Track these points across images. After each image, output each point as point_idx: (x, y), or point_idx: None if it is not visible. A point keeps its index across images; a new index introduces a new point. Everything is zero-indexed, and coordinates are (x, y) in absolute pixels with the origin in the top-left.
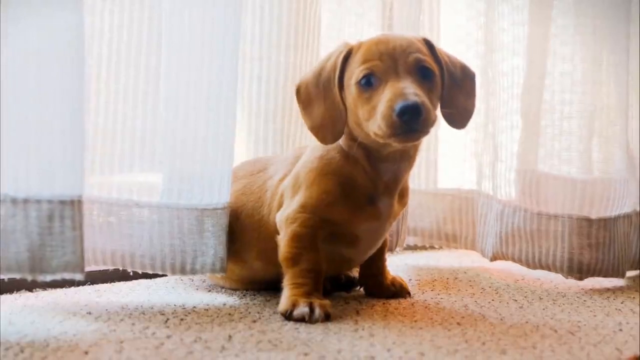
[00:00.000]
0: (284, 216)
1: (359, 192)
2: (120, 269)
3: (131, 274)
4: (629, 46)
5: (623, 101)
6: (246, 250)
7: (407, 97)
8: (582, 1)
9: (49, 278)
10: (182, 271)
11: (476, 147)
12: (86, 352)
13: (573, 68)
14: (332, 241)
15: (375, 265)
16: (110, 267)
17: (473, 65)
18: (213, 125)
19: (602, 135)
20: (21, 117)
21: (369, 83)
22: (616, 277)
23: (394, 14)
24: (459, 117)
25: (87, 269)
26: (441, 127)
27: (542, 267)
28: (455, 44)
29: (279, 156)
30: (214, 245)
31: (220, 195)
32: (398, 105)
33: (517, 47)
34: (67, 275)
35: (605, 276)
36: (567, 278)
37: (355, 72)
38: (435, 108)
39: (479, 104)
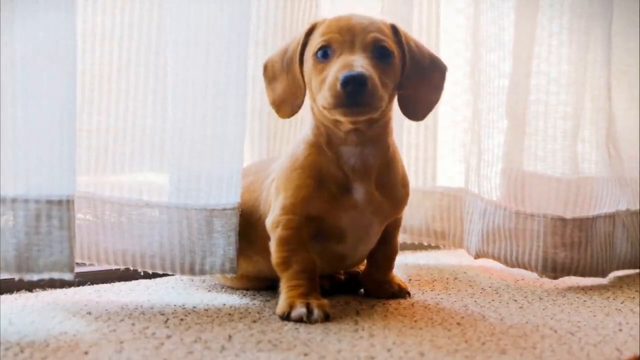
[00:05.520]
0: (270, 222)
1: (329, 182)
2: (122, 268)
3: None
4: (611, 46)
5: (605, 100)
6: (250, 246)
7: (352, 67)
8: (568, 2)
9: (35, 277)
10: (192, 271)
11: (465, 146)
12: (86, 352)
13: (559, 68)
14: (320, 238)
15: (378, 266)
16: (122, 267)
17: (469, 65)
18: (222, 124)
19: (585, 136)
20: (10, 116)
21: (325, 55)
22: (595, 276)
23: (386, 11)
24: (417, 108)
25: (89, 268)
26: (440, 127)
27: (519, 266)
28: (454, 43)
29: (278, 157)
30: (223, 246)
31: (229, 195)
32: (342, 75)
33: (504, 47)
34: (56, 275)
35: (582, 276)
36: (541, 277)
37: (314, 44)
38: (387, 90)
39: (470, 98)
